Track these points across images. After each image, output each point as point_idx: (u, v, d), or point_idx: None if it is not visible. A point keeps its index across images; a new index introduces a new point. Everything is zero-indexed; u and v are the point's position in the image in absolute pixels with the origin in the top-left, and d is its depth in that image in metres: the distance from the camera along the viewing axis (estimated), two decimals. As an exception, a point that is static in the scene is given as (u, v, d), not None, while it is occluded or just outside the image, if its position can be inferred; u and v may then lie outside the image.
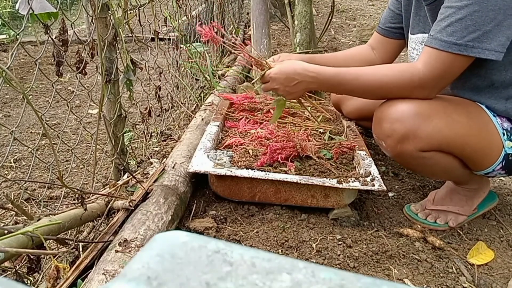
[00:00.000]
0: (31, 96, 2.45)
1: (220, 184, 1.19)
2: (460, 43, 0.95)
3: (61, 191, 1.37)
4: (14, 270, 0.79)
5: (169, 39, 1.90)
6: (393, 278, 0.99)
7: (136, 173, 1.25)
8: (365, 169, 1.17)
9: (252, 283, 0.25)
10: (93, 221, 1.07)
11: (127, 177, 1.20)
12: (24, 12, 0.83)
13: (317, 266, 0.26)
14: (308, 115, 1.55)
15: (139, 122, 1.70)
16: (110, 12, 1.14)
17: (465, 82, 1.09)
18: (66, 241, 0.90)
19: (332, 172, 1.19)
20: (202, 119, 1.62)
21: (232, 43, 1.23)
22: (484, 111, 1.09)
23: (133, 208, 1.03)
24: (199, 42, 2.21)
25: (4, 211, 1.23)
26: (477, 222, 1.27)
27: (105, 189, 1.19)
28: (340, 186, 1.10)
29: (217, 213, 1.16)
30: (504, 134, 1.08)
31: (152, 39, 1.70)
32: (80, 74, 1.01)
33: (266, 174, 1.12)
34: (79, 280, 0.84)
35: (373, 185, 1.11)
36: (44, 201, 1.38)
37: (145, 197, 1.08)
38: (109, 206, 1.06)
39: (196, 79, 2.27)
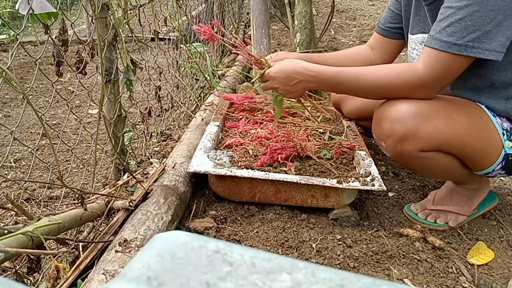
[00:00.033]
0: (31, 96, 2.45)
1: (220, 184, 1.19)
2: (460, 43, 0.96)
3: (61, 191, 1.37)
4: (14, 270, 0.79)
5: (169, 39, 1.90)
6: (393, 278, 0.99)
7: (136, 173, 1.25)
8: (365, 169, 1.17)
9: (252, 283, 0.25)
10: (93, 221, 1.07)
11: (127, 177, 1.20)
12: (24, 12, 0.83)
13: (317, 266, 0.26)
14: (308, 115, 1.55)
15: (139, 122, 1.70)
16: (110, 12, 1.14)
17: (465, 82, 1.09)
18: (66, 241, 0.90)
19: (332, 172, 1.19)
20: (202, 119, 1.62)
21: (232, 42, 1.23)
22: (484, 111, 1.09)
23: (133, 208, 1.03)
24: (199, 42, 2.21)
25: (4, 211, 1.23)
26: (477, 222, 1.27)
27: (105, 189, 1.19)
28: (340, 186, 1.10)
29: (217, 213, 1.16)
30: (504, 134, 1.08)
31: (152, 39, 1.70)
32: (80, 74, 1.01)
33: (266, 174, 1.12)
34: (79, 280, 0.84)
35: (373, 185, 1.11)
36: (44, 201, 1.38)
37: (145, 197, 1.08)
38: (109, 206, 1.06)
39: (196, 79, 2.27)
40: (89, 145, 1.87)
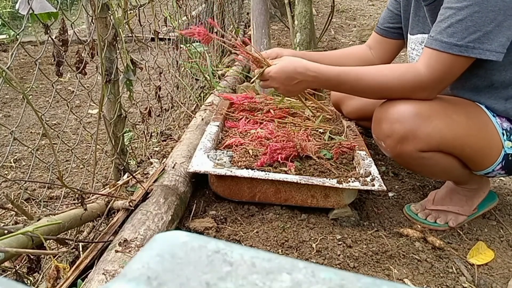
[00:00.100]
0: (31, 96, 2.45)
1: (220, 184, 1.19)
2: (461, 44, 0.95)
3: (61, 191, 1.37)
4: (14, 270, 0.79)
5: (169, 39, 1.90)
6: (393, 278, 0.99)
7: (136, 173, 1.25)
8: (365, 169, 1.17)
9: (252, 283, 0.25)
10: (93, 221, 1.07)
11: (127, 177, 1.20)
12: (24, 12, 0.83)
13: (317, 266, 0.26)
14: (308, 115, 1.55)
15: (139, 122, 1.70)
16: (110, 12, 1.14)
17: (464, 83, 1.09)
18: (66, 241, 0.90)
19: (332, 172, 1.19)
20: (202, 119, 1.62)
21: (231, 42, 1.23)
22: (483, 111, 1.09)
23: (133, 208, 1.03)
24: (199, 42, 2.21)
25: (4, 211, 1.23)
26: (477, 222, 1.27)
27: (105, 189, 1.19)
28: (340, 186, 1.10)
29: (217, 213, 1.16)
30: (503, 134, 1.08)
31: (152, 39, 1.70)
32: (80, 74, 1.01)
33: (266, 174, 1.12)
34: (79, 280, 0.84)
35: (373, 185, 1.11)
36: (44, 201, 1.38)
37: (145, 197, 1.08)
38: (109, 206, 1.06)
39: (196, 79, 2.27)
40: (89, 145, 1.87)
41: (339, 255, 1.02)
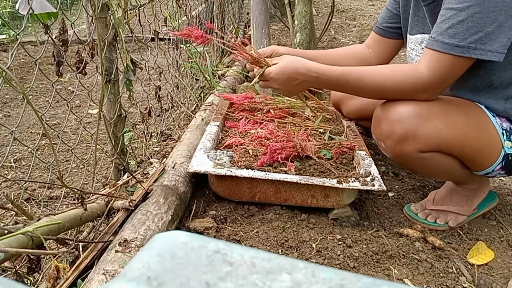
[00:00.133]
0: (31, 96, 2.45)
1: (220, 184, 1.19)
2: (462, 45, 0.95)
3: (61, 191, 1.37)
4: (14, 270, 0.79)
5: (169, 39, 1.90)
6: (393, 278, 0.99)
7: (136, 173, 1.25)
8: (365, 169, 1.17)
9: (252, 283, 0.25)
10: (93, 221, 1.07)
11: (127, 177, 1.20)
12: (24, 12, 0.83)
13: (317, 266, 0.26)
14: (308, 115, 1.55)
15: (139, 122, 1.70)
16: (110, 12, 1.14)
17: (464, 83, 1.09)
18: (66, 241, 0.90)
19: (332, 172, 1.19)
20: (202, 119, 1.62)
21: (229, 43, 1.23)
22: (483, 112, 1.09)
23: (133, 208, 1.03)
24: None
25: (4, 211, 1.23)
26: (477, 222, 1.27)
27: (105, 189, 1.19)
28: (340, 186, 1.10)
29: (217, 213, 1.16)
30: (503, 134, 1.08)
31: (152, 39, 1.70)
32: (80, 74, 1.01)
33: (266, 174, 1.12)
34: (79, 280, 0.84)
35: (373, 185, 1.11)
36: (44, 201, 1.38)
37: (145, 197, 1.08)
38: (109, 206, 1.06)
39: (196, 79, 2.27)
40: (89, 145, 1.87)
41: (339, 255, 1.02)
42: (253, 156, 1.23)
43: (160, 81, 1.67)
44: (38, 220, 0.85)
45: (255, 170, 1.15)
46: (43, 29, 0.87)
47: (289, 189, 1.16)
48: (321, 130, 1.46)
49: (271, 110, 1.55)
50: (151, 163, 1.36)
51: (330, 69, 1.10)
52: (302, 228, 1.10)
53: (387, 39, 1.39)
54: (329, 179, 1.13)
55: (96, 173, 1.18)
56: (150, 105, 1.54)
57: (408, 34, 1.28)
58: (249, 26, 3.31)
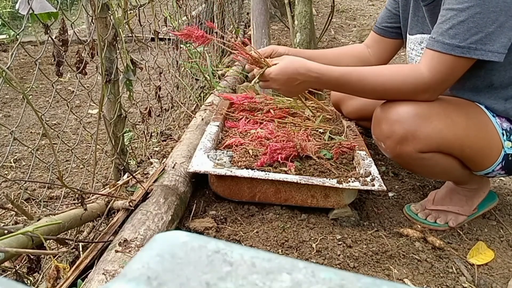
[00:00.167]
0: (31, 96, 2.45)
1: (220, 184, 1.19)
2: (463, 45, 0.95)
3: (61, 191, 1.37)
4: (14, 270, 0.79)
5: (169, 39, 1.90)
6: (393, 278, 0.99)
7: (136, 173, 1.25)
8: (365, 169, 1.17)
9: (252, 283, 0.25)
10: (93, 221, 1.07)
11: (127, 177, 1.20)
12: (24, 12, 0.83)
13: (317, 266, 0.26)
14: (308, 115, 1.55)
15: (139, 122, 1.70)
16: (110, 12, 1.14)
17: (464, 83, 1.09)
18: (66, 241, 0.90)
19: (332, 172, 1.19)
20: (202, 119, 1.62)
21: (229, 43, 1.23)
22: (483, 112, 1.09)
23: (133, 208, 1.03)
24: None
25: (4, 211, 1.23)
26: (477, 222, 1.27)
27: (105, 189, 1.19)
28: (340, 186, 1.10)
29: (217, 213, 1.16)
30: (503, 135, 1.08)
31: (152, 39, 1.70)
32: (80, 74, 1.01)
33: (266, 174, 1.12)
34: (79, 280, 0.84)
35: (373, 185, 1.11)
36: (44, 201, 1.38)
37: (145, 197, 1.08)
38: (109, 206, 1.06)
39: (196, 79, 2.27)
40: (89, 145, 1.87)
41: (339, 255, 1.02)
42: (253, 156, 1.23)
43: (160, 81, 1.67)
44: (38, 220, 0.85)
45: (255, 170, 1.15)
46: (43, 29, 0.87)
47: (289, 189, 1.16)
48: (321, 130, 1.46)
49: (271, 110, 1.55)
50: (151, 163, 1.36)
51: (330, 70, 1.10)
52: (302, 228, 1.10)
53: (387, 38, 1.39)
54: (329, 179, 1.13)
55: (96, 173, 1.19)
56: (150, 105, 1.54)
57: (407, 34, 1.28)
58: (249, 26, 3.31)
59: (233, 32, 2.82)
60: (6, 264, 0.80)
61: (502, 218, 1.30)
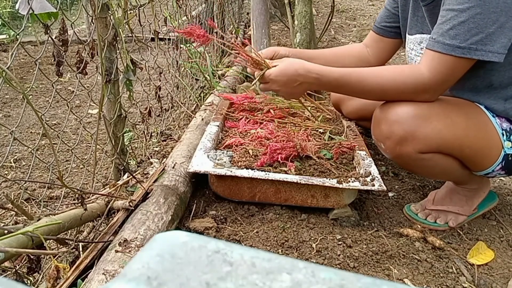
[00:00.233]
0: (31, 96, 2.45)
1: (220, 184, 1.19)
2: (464, 46, 0.95)
3: (61, 191, 1.37)
4: (14, 270, 0.79)
5: (169, 39, 1.90)
6: (393, 278, 0.99)
7: (136, 173, 1.25)
8: (365, 169, 1.17)
9: (252, 283, 0.25)
10: (93, 221, 1.07)
11: (127, 177, 1.20)
12: (24, 12, 0.83)
13: (317, 266, 0.26)
14: (308, 115, 1.55)
15: (139, 122, 1.70)
16: (110, 12, 1.14)
17: (464, 83, 1.09)
18: (66, 241, 0.90)
19: (332, 172, 1.19)
20: (202, 119, 1.62)
21: (229, 44, 1.23)
22: (483, 112, 1.08)
23: (133, 208, 1.03)
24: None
25: (4, 211, 1.23)
26: (477, 222, 1.27)
27: (105, 189, 1.19)
28: (340, 186, 1.10)
29: (217, 213, 1.16)
30: (503, 135, 1.08)
31: (152, 39, 1.70)
32: (80, 74, 1.01)
33: (266, 174, 1.12)
34: (79, 280, 0.84)
35: (373, 185, 1.11)
36: (44, 201, 1.38)
37: (145, 197, 1.08)
38: (109, 206, 1.06)
39: (196, 79, 2.27)
40: (89, 145, 1.87)
41: (339, 255, 1.02)
42: (253, 156, 1.23)
43: (160, 81, 1.67)
44: (38, 220, 0.85)
45: (255, 170, 1.15)
46: (43, 29, 0.87)
47: (289, 189, 1.16)
48: (321, 130, 1.46)
49: (271, 110, 1.55)
50: (151, 163, 1.36)
51: (329, 70, 1.10)
52: (302, 228, 1.10)
53: (386, 38, 1.39)
54: (329, 179, 1.13)
55: (96, 173, 1.19)
56: (150, 105, 1.54)
57: (407, 34, 1.28)
58: (249, 26, 3.31)
59: (233, 32, 2.82)
60: (6, 264, 0.80)
61: (502, 218, 1.30)
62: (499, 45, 0.94)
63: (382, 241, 1.10)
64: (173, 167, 1.23)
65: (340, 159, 1.28)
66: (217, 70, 2.40)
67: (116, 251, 0.85)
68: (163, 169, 1.22)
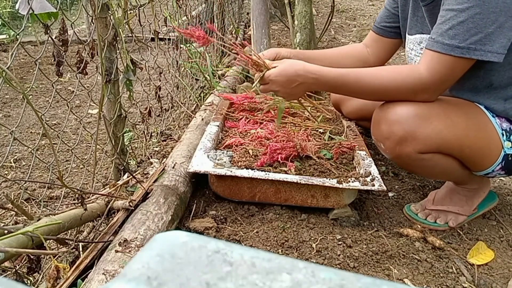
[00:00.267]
0: (31, 96, 2.45)
1: (220, 184, 1.19)
2: (463, 46, 0.95)
3: (61, 191, 1.37)
4: (14, 270, 0.79)
5: (169, 39, 1.90)
6: (393, 278, 0.99)
7: (136, 173, 1.25)
8: (365, 169, 1.17)
9: (252, 283, 0.25)
10: (93, 221, 1.07)
11: (127, 177, 1.20)
12: (24, 12, 0.83)
13: (317, 266, 0.26)
14: (308, 115, 1.55)
15: (139, 122, 1.70)
16: (110, 12, 1.14)
17: (464, 83, 1.09)
18: (66, 241, 0.90)
19: (332, 172, 1.19)
20: (202, 119, 1.62)
21: (230, 46, 1.23)
22: (483, 112, 1.08)
23: (133, 208, 1.03)
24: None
25: (4, 211, 1.23)
26: (477, 222, 1.27)
27: (105, 189, 1.19)
28: (340, 186, 1.10)
29: (217, 213, 1.16)
30: (503, 135, 1.07)
31: (152, 39, 1.70)
32: (80, 74, 1.01)
33: (266, 174, 1.12)
34: (79, 280, 0.84)
35: (373, 185, 1.11)
36: (44, 201, 1.38)
37: (145, 197, 1.08)
38: (109, 206, 1.06)
39: (196, 79, 2.27)
40: (89, 145, 1.87)
41: (339, 255, 1.02)
42: (253, 156, 1.23)
43: (160, 81, 1.67)
44: (38, 220, 0.85)
45: (255, 170, 1.15)
46: (43, 29, 0.87)
47: (289, 189, 1.16)
48: (321, 130, 1.46)
49: (271, 110, 1.55)
50: (151, 163, 1.36)
51: (328, 71, 1.11)
52: (302, 228, 1.10)
53: (385, 38, 1.39)
54: (329, 179, 1.13)
55: (96, 173, 1.19)
56: (150, 105, 1.54)
57: (407, 34, 1.28)
58: (249, 26, 3.31)
59: (233, 32, 2.82)
60: (6, 264, 0.80)
61: (502, 218, 1.30)
62: (498, 45, 0.94)
63: (382, 241, 1.10)
64: (173, 167, 1.23)
65: (340, 159, 1.28)
66: (217, 70, 2.40)
67: (116, 251, 0.85)
68: (163, 169, 1.22)
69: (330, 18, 2.77)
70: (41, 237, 0.77)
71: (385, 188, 1.10)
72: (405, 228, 1.18)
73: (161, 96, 1.61)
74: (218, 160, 1.20)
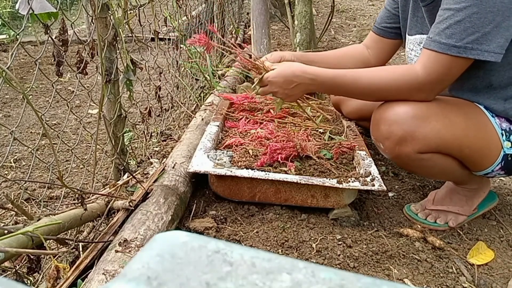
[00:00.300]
0: (31, 96, 2.45)
1: (220, 184, 1.19)
2: (459, 45, 0.95)
3: (61, 191, 1.37)
4: (14, 270, 0.79)
5: (169, 39, 1.90)
6: (393, 278, 0.99)
7: (136, 173, 1.25)
8: (365, 169, 1.17)
9: (252, 283, 0.25)
10: (93, 221, 1.07)
11: (127, 177, 1.20)
12: (24, 12, 0.83)
13: (317, 266, 0.26)
14: (308, 116, 1.55)
15: (139, 122, 1.70)
16: (110, 12, 1.14)
17: (463, 83, 1.09)
18: (66, 241, 0.90)
19: (332, 172, 1.19)
20: (202, 119, 1.62)
21: (230, 49, 1.23)
22: (482, 112, 1.08)
23: (133, 208, 1.03)
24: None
25: (4, 211, 1.23)
26: (477, 222, 1.27)
27: (105, 189, 1.19)
28: (340, 186, 1.10)
29: (217, 213, 1.16)
30: (503, 135, 1.07)
31: (152, 39, 1.70)
32: (80, 74, 1.01)
33: (266, 174, 1.12)
34: (79, 280, 0.84)
35: (373, 185, 1.11)
36: (44, 201, 1.38)
37: (145, 197, 1.08)
38: (109, 206, 1.06)
39: (196, 79, 2.27)
40: (89, 145, 1.87)
41: (339, 255, 1.02)
42: (253, 156, 1.23)
43: (160, 81, 1.67)
44: (38, 220, 0.85)
45: (255, 170, 1.15)
46: (43, 29, 0.86)
47: (289, 189, 1.16)
48: (321, 130, 1.46)
49: (271, 110, 1.55)
50: (151, 163, 1.36)
51: (325, 71, 1.11)
52: (302, 228, 1.10)
53: (386, 39, 1.39)
54: (329, 179, 1.13)
55: (96, 173, 1.19)
56: (150, 105, 1.54)
57: (407, 35, 1.28)
58: (249, 26, 3.31)
59: (233, 33, 2.82)
60: (6, 264, 0.80)
61: (502, 218, 1.30)
62: (495, 45, 0.94)
63: (382, 241, 1.10)
64: (173, 167, 1.23)
65: (340, 159, 1.28)
66: (217, 70, 2.40)
67: (116, 251, 0.85)
68: (163, 169, 1.22)
69: (330, 18, 2.77)
70: (41, 237, 0.77)
71: (385, 188, 1.10)
72: (405, 228, 1.18)
73: (161, 96, 1.61)
74: (218, 160, 1.20)
